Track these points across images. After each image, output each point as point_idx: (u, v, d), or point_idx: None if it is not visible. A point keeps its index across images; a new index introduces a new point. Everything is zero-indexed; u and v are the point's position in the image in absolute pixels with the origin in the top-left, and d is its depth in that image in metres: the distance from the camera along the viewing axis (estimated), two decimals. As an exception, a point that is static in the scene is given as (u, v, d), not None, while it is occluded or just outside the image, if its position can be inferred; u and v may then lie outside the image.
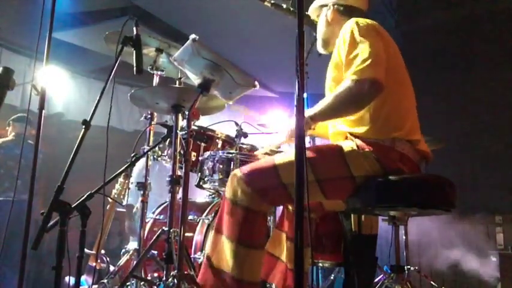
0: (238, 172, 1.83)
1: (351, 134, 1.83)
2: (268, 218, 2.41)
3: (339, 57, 1.86)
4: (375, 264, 2.27)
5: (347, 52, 1.78)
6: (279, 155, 1.86)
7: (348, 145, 1.80)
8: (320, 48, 2.15)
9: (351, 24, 1.83)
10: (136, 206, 4.21)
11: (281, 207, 2.25)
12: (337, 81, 1.87)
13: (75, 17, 4.50)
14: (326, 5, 2.07)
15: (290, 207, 2.12)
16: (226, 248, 1.76)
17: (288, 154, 1.82)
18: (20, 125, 4.22)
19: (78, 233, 1.49)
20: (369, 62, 1.71)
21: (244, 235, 1.75)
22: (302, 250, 1.18)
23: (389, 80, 1.78)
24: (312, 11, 2.15)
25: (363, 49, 1.74)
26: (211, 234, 1.88)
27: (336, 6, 2.04)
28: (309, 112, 1.83)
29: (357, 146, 1.78)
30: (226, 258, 1.75)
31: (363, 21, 1.85)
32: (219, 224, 1.83)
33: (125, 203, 2.98)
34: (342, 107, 1.80)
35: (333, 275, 3.32)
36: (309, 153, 1.78)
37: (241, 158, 2.43)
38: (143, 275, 2.59)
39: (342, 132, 1.89)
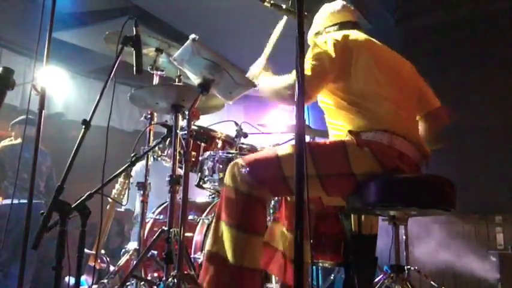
0: (240, 161, 1.84)
1: (350, 132, 1.84)
2: (268, 218, 2.41)
3: None
4: (375, 264, 2.27)
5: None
6: (282, 147, 1.88)
7: (350, 141, 1.81)
8: None
9: (325, 38, 1.96)
10: (135, 211, 4.21)
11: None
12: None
13: (75, 17, 4.50)
14: (319, 33, 2.15)
15: (289, 198, 2.12)
16: (226, 234, 1.76)
17: (290, 146, 1.85)
18: (28, 127, 4.17)
19: (78, 233, 1.49)
20: (309, 75, 1.81)
21: (245, 221, 1.76)
22: (302, 247, 1.18)
23: (389, 83, 1.83)
24: (309, 40, 2.21)
25: (312, 56, 1.86)
26: (213, 221, 1.88)
27: (327, 29, 2.13)
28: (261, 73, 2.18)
29: (357, 143, 1.78)
30: (227, 245, 1.75)
31: (335, 39, 1.93)
32: (219, 211, 1.84)
33: (124, 203, 2.98)
34: (272, 89, 2.03)
35: (333, 275, 3.32)
36: (312, 148, 1.80)
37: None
38: (143, 275, 2.59)
39: (342, 132, 1.89)
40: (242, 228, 1.75)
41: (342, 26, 2.11)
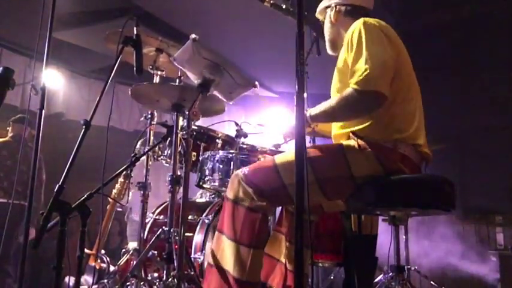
0: (239, 172, 1.84)
1: (353, 133, 1.82)
2: (269, 218, 2.41)
3: (345, 60, 1.84)
4: (375, 264, 2.27)
5: (353, 57, 1.76)
6: (280, 155, 1.86)
7: (350, 144, 1.80)
8: (329, 50, 2.13)
9: (358, 26, 1.80)
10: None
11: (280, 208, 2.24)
12: (343, 83, 1.86)
13: (75, 17, 4.50)
14: (329, 6, 2.07)
15: (289, 208, 2.12)
16: (228, 248, 1.76)
17: (288, 154, 1.82)
18: (18, 126, 4.19)
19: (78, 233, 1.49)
20: (373, 72, 1.67)
21: (246, 235, 1.75)
22: (302, 251, 1.18)
23: (396, 83, 1.78)
24: (319, 14, 2.15)
25: (369, 56, 1.70)
26: (215, 234, 1.88)
27: (338, 6, 2.02)
28: (309, 111, 1.84)
29: (359, 146, 1.77)
30: (228, 258, 1.75)
31: (371, 22, 1.82)
32: (221, 224, 1.83)
33: (124, 203, 2.98)
34: (342, 114, 1.82)
35: (333, 275, 3.32)
36: (309, 153, 1.78)
37: (241, 158, 2.43)
38: (143, 275, 2.59)
39: (345, 133, 1.89)
40: (243, 242, 1.74)
41: (356, 10, 1.99)
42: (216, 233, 1.86)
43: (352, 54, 1.77)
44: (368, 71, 1.68)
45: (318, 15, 2.15)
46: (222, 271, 1.76)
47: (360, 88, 1.69)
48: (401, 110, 1.82)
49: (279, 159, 1.82)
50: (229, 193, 1.83)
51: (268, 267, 2.06)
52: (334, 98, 1.81)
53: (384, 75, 1.71)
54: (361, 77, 1.69)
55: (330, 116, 1.84)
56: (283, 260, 2.08)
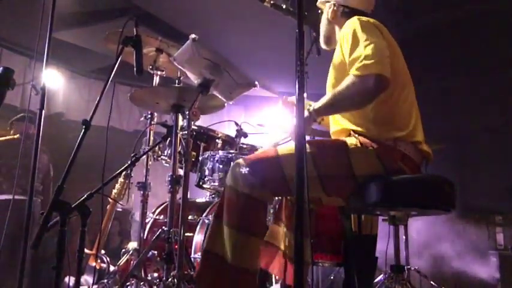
0: (241, 161, 1.82)
1: (354, 131, 1.82)
2: (268, 218, 2.41)
3: (341, 57, 1.84)
4: (375, 264, 2.27)
5: (350, 51, 1.76)
6: (283, 147, 1.87)
7: (352, 142, 1.80)
8: (322, 45, 2.14)
9: (353, 23, 1.81)
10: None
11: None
12: (339, 80, 1.85)
13: (75, 17, 4.50)
14: (329, 2, 2.07)
15: (290, 198, 2.12)
16: (226, 234, 1.75)
17: (291, 145, 1.82)
18: (23, 125, 4.18)
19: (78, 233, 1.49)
20: (372, 56, 1.68)
21: (245, 222, 1.74)
22: (302, 245, 1.18)
23: (392, 81, 1.77)
24: (320, 3, 2.14)
25: (366, 47, 1.71)
26: (212, 220, 1.86)
27: (337, 5, 2.03)
28: (313, 106, 1.83)
29: (360, 143, 1.77)
30: (225, 245, 1.74)
31: (365, 19, 1.84)
32: (219, 210, 1.82)
33: (124, 203, 2.98)
34: (346, 102, 1.79)
35: (333, 275, 3.32)
36: (312, 148, 1.79)
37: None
38: (143, 275, 2.59)
39: (344, 130, 1.89)
40: (242, 229, 1.74)
41: (353, 12, 1.97)
42: (213, 219, 1.84)
43: (348, 47, 1.77)
44: (367, 56, 1.68)
45: (319, 4, 2.14)
46: (217, 257, 1.75)
47: (361, 73, 1.68)
48: (398, 108, 1.83)
49: (281, 150, 1.82)
50: (230, 180, 1.81)
51: (268, 255, 2.06)
52: (336, 88, 1.80)
53: (383, 59, 1.70)
54: (360, 63, 1.69)
55: (333, 106, 1.82)
56: (282, 248, 2.08)
